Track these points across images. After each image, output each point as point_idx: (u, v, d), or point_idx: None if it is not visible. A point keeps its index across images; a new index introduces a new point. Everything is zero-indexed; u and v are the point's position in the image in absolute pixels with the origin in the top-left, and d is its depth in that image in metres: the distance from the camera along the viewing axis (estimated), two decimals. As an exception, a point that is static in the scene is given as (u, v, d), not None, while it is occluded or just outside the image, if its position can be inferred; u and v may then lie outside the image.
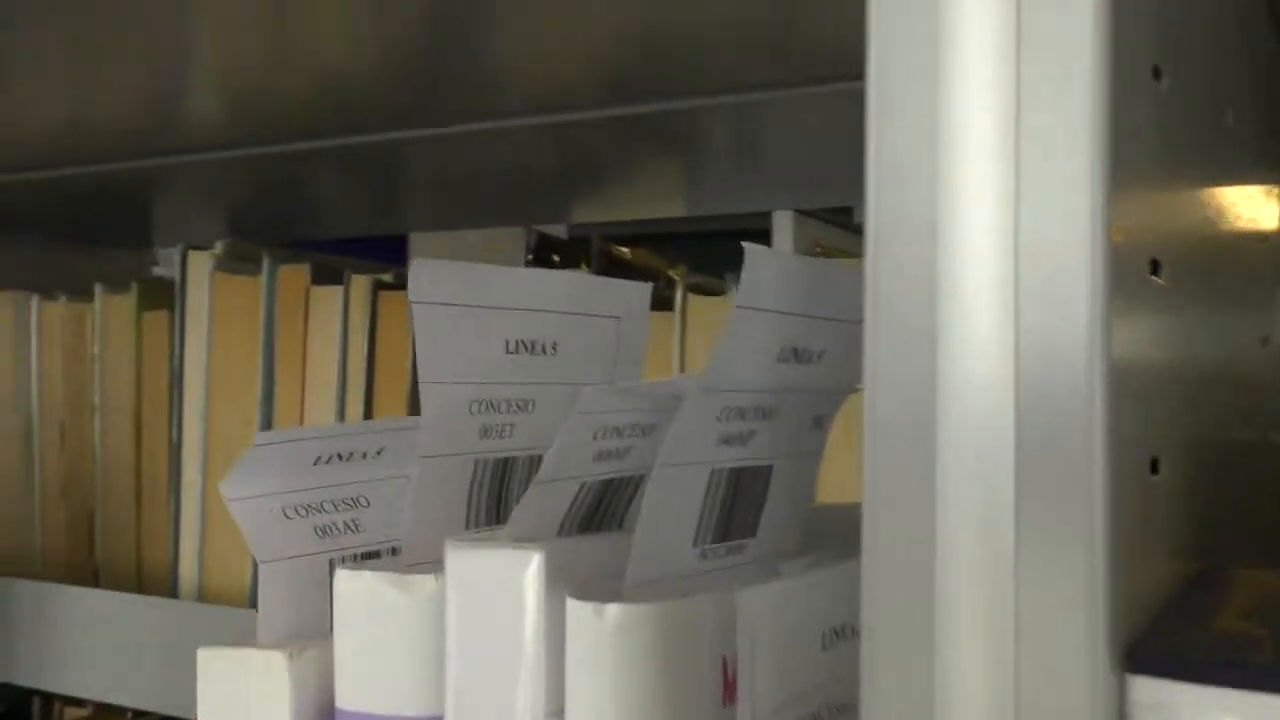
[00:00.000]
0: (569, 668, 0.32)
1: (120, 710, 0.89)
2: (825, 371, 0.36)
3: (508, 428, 0.40)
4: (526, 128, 0.71)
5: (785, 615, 0.33)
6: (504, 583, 0.33)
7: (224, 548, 0.86)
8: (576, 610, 0.32)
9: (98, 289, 0.94)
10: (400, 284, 0.83)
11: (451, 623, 0.34)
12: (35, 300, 0.96)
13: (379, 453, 0.42)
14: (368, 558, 0.42)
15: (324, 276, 0.85)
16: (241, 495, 0.39)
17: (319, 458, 0.40)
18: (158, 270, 1.20)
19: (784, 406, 0.36)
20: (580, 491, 0.36)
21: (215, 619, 0.82)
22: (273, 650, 0.37)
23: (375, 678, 0.36)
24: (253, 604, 0.84)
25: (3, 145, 0.85)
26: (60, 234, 1.10)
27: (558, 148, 0.77)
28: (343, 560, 0.41)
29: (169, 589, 0.89)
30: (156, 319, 0.92)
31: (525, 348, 0.40)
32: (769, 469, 0.37)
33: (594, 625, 0.32)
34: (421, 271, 0.36)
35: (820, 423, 0.39)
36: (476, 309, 0.38)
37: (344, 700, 0.37)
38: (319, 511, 0.41)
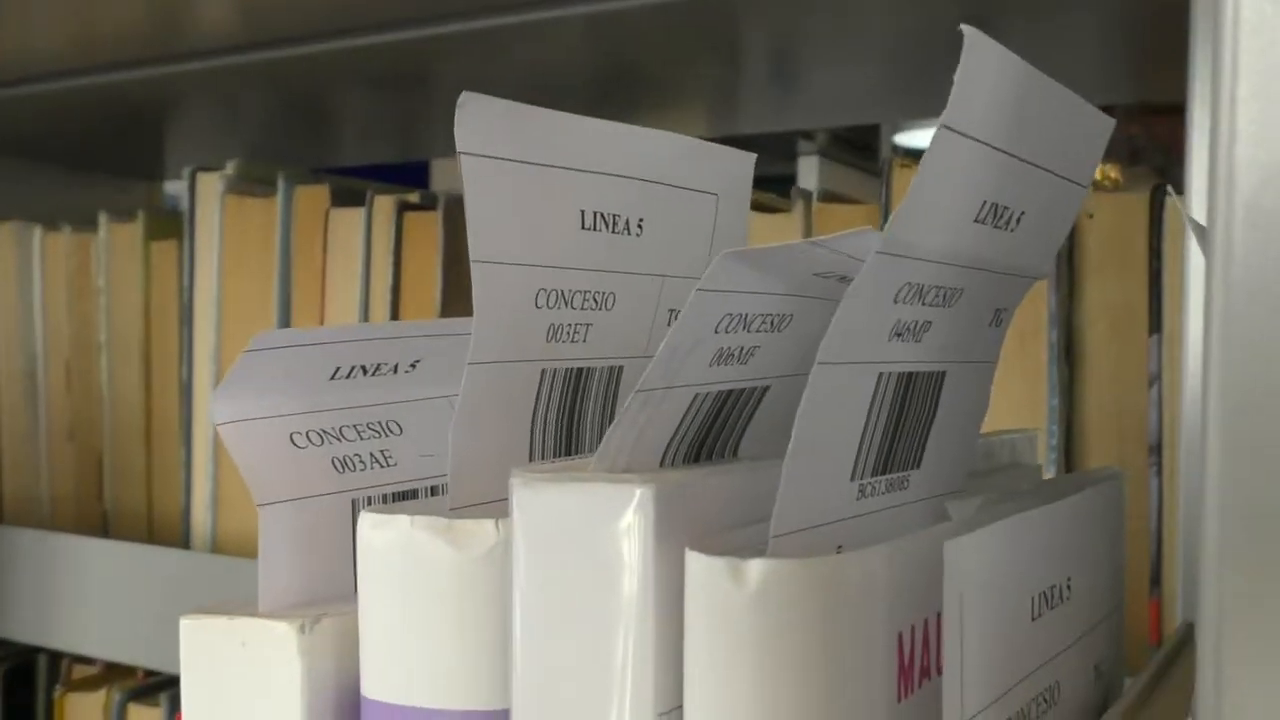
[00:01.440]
0: (690, 649, 0.22)
1: (130, 669, 0.79)
2: (1019, 244, 0.25)
3: (581, 329, 0.29)
4: (575, 19, 0.60)
5: (998, 575, 0.22)
6: (597, 530, 0.22)
7: (239, 493, 0.76)
8: (704, 569, 0.21)
9: (102, 217, 0.83)
10: (428, 205, 0.72)
11: (520, 585, 0.23)
12: (38, 231, 0.86)
13: (414, 365, 0.31)
14: (401, 499, 0.31)
15: (344, 198, 0.74)
16: (234, 416, 0.28)
17: (337, 370, 0.30)
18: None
19: (968, 290, 0.25)
20: (692, 407, 0.25)
21: (230, 571, 0.72)
22: (278, 620, 0.27)
23: (414, 658, 0.26)
24: (270, 555, 0.74)
25: (3, 53, 0.74)
26: (65, 160, 0.99)
27: (602, 46, 0.66)
28: (368, 503, 0.30)
29: (181, 538, 0.79)
30: (165, 249, 0.81)
31: (604, 223, 0.29)
32: (940, 377, 0.26)
33: (729, 590, 0.21)
34: (472, 112, 0.26)
35: (999, 319, 0.28)
36: (545, 168, 0.27)
37: (373, 687, 0.26)
38: (337, 439, 0.30)
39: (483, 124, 0.26)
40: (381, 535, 0.26)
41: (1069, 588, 0.25)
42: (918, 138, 1.67)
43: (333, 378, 0.30)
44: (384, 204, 0.72)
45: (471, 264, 0.26)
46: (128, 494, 0.84)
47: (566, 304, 0.28)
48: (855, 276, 0.22)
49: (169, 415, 0.81)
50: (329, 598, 0.29)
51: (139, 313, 0.82)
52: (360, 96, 0.81)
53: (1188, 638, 0.32)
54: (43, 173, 0.99)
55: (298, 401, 0.29)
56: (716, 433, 0.27)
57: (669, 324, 0.32)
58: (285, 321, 0.74)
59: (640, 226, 0.30)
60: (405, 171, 1.07)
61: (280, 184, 0.74)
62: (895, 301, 0.23)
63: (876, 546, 0.22)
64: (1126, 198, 0.57)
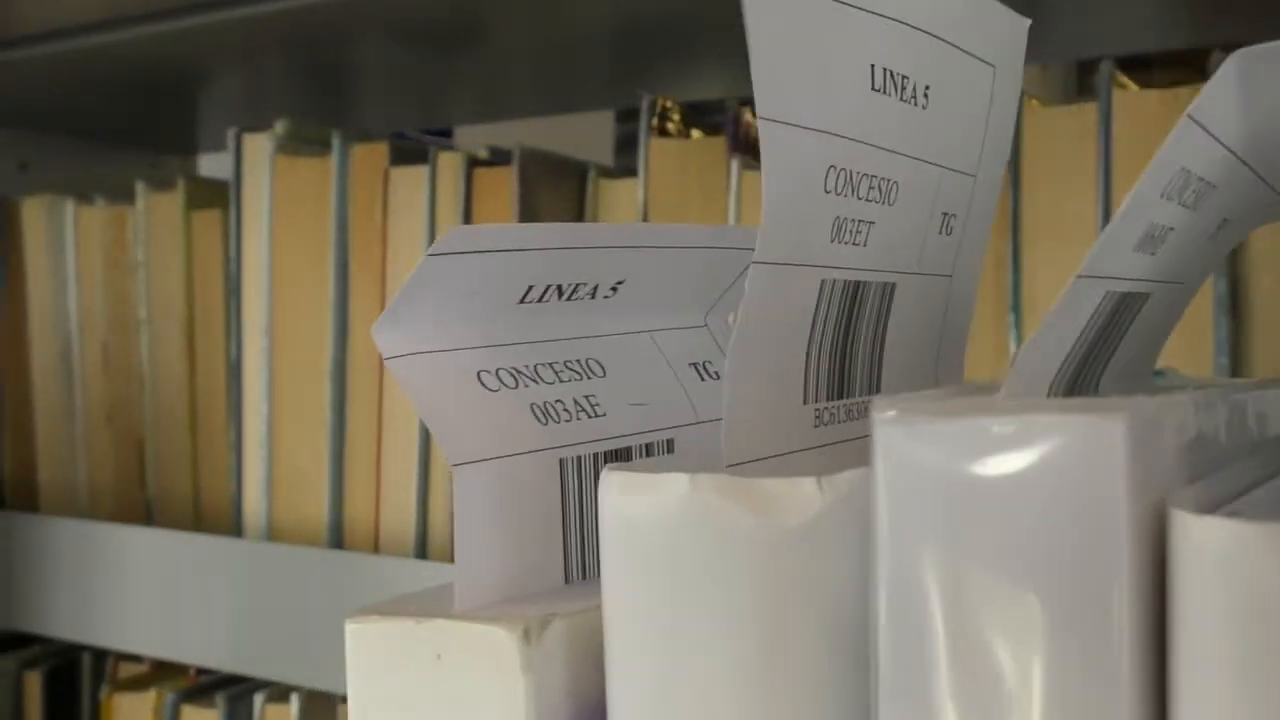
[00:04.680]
0: (1194, 655, 0.14)
1: (182, 668, 0.71)
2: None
3: (864, 228, 0.21)
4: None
5: None
6: (1034, 484, 0.14)
7: (295, 477, 0.67)
8: (1226, 541, 0.13)
9: (140, 187, 0.74)
10: (500, 160, 0.64)
11: (888, 571, 0.15)
12: (71, 205, 0.77)
13: (615, 288, 0.23)
14: (614, 459, 0.23)
15: (405, 156, 0.66)
16: (406, 348, 0.20)
17: (529, 289, 0.21)
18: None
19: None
20: (1099, 308, 0.17)
21: (289, 561, 0.64)
22: (491, 624, 0.18)
23: (692, 676, 0.17)
24: (335, 543, 0.66)
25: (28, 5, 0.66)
26: (97, 135, 0.90)
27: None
28: (578, 462, 0.22)
29: (233, 526, 0.70)
30: (208, 218, 0.73)
31: (896, 86, 0.21)
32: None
33: (1270, 568, 0.13)
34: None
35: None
36: (837, 4, 0.19)
37: (628, 715, 0.18)
38: (534, 380, 0.22)
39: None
40: (645, 502, 0.17)
41: None
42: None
43: (523, 300, 0.21)
44: (450, 160, 0.64)
45: (760, 124, 0.18)
46: (172, 480, 0.75)
47: (854, 191, 0.20)
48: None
49: (215, 395, 0.73)
50: (538, 592, 0.20)
51: (181, 286, 0.74)
52: (388, 54, 0.72)
53: None
54: (73, 147, 0.91)
55: (483, 330, 0.21)
56: (1095, 355, 0.18)
57: (941, 232, 0.24)
58: (342, 292, 0.66)
59: (926, 96, 0.22)
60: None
61: (335, 142, 0.65)
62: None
63: None
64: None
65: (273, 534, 0.69)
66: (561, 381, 0.22)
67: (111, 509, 0.77)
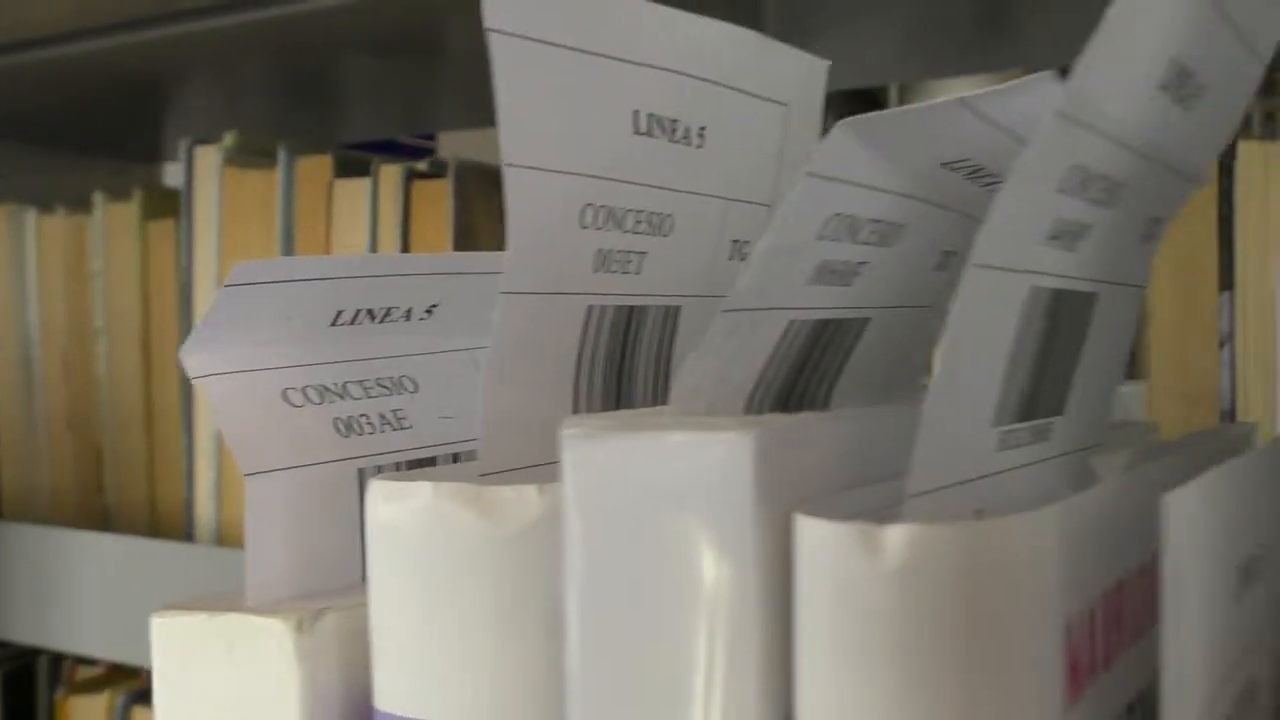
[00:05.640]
0: (805, 642, 0.16)
1: (135, 670, 0.74)
2: (1192, 128, 0.20)
3: (635, 258, 0.24)
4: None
5: (1214, 540, 0.16)
6: (679, 492, 0.17)
7: (243, 482, 0.70)
8: (826, 538, 0.16)
9: (97, 197, 0.77)
10: (437, 173, 0.66)
11: (576, 568, 0.18)
12: (32, 214, 0.80)
13: (430, 310, 0.26)
14: (417, 467, 0.26)
15: (349, 168, 0.68)
16: (213, 369, 0.22)
17: (339, 313, 0.24)
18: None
19: (1131, 185, 0.19)
20: (785, 338, 0.19)
21: (236, 564, 0.66)
22: (271, 617, 0.21)
23: (438, 662, 0.20)
24: (277, 546, 0.69)
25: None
26: (62, 142, 0.93)
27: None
28: (378, 472, 0.25)
29: (184, 531, 0.73)
30: (163, 228, 0.76)
31: (661, 129, 0.23)
32: (1093, 299, 0.20)
33: (860, 565, 0.15)
34: (500, -19, 0.20)
35: (1153, 232, 0.22)
36: (592, 56, 0.22)
37: (387, 698, 0.20)
38: (340, 396, 0.24)
39: (514, -3, 0.20)
40: (396, 508, 0.20)
41: (1263, 559, 0.20)
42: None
43: (334, 323, 0.24)
44: (390, 173, 0.66)
45: (504, 169, 0.20)
46: (129, 486, 0.78)
47: (618, 225, 0.23)
48: (997, 168, 0.16)
49: (170, 403, 0.75)
50: (330, 589, 0.23)
51: (137, 296, 0.77)
52: (366, 64, 0.75)
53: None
54: (39, 155, 0.94)
55: (293, 351, 0.23)
56: (808, 377, 0.21)
57: (732, 258, 0.26)
58: (289, 301, 0.69)
59: (701, 136, 0.24)
60: (399, 151, 1.01)
61: (281, 155, 0.68)
62: (1060, 190, 0.17)
63: (1044, 509, 0.16)
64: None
65: (223, 539, 0.72)
66: (370, 397, 0.25)
67: (73, 514, 0.80)
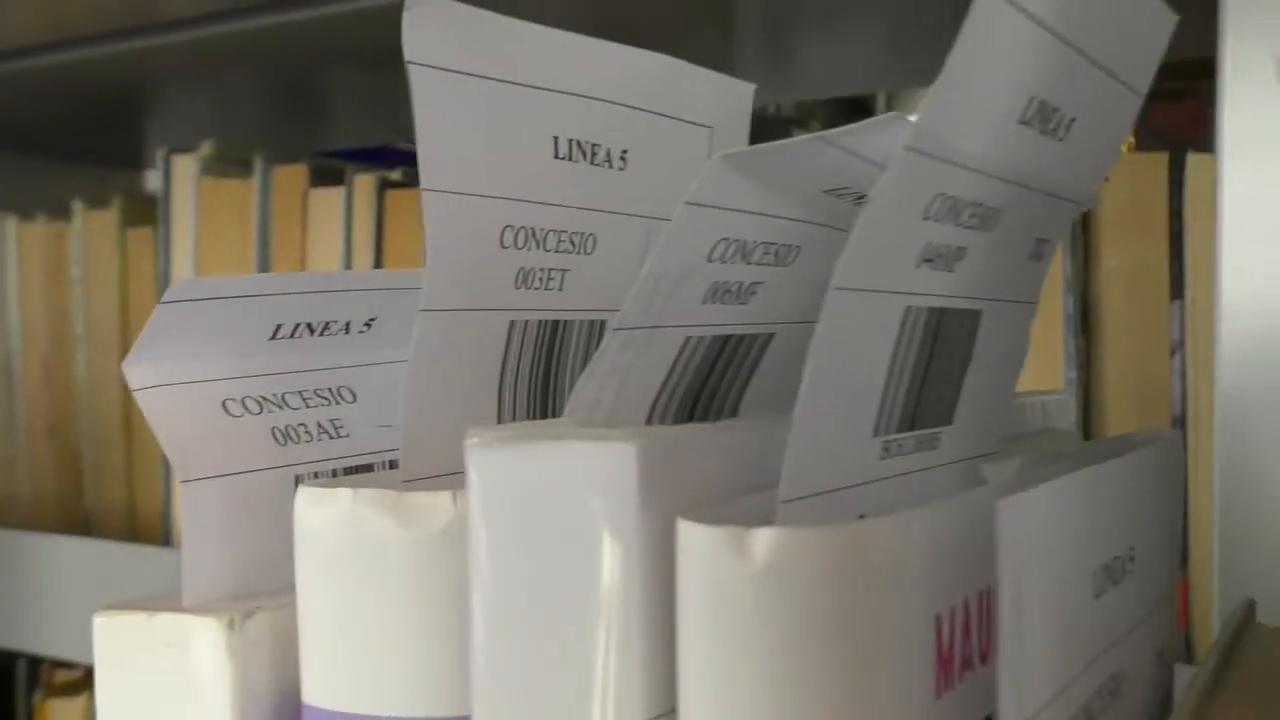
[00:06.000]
0: (684, 640, 0.18)
1: (110, 671, 0.75)
2: (1068, 157, 0.21)
3: (557, 275, 0.25)
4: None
5: (1059, 543, 0.18)
6: (571, 499, 0.18)
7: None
8: (701, 541, 0.17)
9: (77, 205, 0.79)
10: (410, 182, 0.68)
11: (479, 568, 0.19)
12: (12, 222, 0.82)
13: (368, 324, 0.27)
14: (353, 473, 0.27)
15: (325, 177, 0.70)
16: (154, 380, 0.24)
17: (278, 327, 0.25)
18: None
19: (1008, 212, 0.21)
20: (683, 354, 0.21)
21: (212, 568, 0.68)
22: (204, 616, 0.23)
23: (360, 658, 0.21)
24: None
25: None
26: (44, 149, 0.95)
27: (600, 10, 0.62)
28: (314, 478, 0.26)
29: (162, 535, 0.75)
30: (141, 236, 0.77)
31: (582, 153, 0.25)
32: (976, 315, 0.22)
33: (731, 565, 0.17)
34: (423, 16, 0.21)
35: (1041, 252, 0.23)
36: (511, 86, 0.23)
37: (314, 692, 0.22)
38: (278, 407, 0.26)
39: (436, 30, 0.22)
40: (320, 513, 0.21)
41: (1132, 560, 0.21)
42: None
43: (273, 337, 0.25)
44: (364, 182, 0.68)
45: (423, 194, 0.22)
46: (108, 491, 0.79)
47: (539, 245, 0.24)
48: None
49: (148, 408, 0.77)
50: (266, 590, 0.25)
51: (116, 302, 0.78)
52: (347, 74, 0.76)
53: (1249, 617, 0.28)
54: (20, 163, 0.95)
55: (232, 364, 0.25)
56: (713, 388, 0.22)
57: (658, 273, 0.28)
58: (265, 308, 0.70)
59: (624, 159, 0.26)
60: (395, 156, 1.02)
61: (257, 164, 0.70)
62: (926, 217, 0.18)
63: (909, 512, 0.18)
64: (1144, 157, 0.53)
65: (199, 543, 0.73)
66: (308, 407, 0.26)
67: (53, 519, 0.81)
